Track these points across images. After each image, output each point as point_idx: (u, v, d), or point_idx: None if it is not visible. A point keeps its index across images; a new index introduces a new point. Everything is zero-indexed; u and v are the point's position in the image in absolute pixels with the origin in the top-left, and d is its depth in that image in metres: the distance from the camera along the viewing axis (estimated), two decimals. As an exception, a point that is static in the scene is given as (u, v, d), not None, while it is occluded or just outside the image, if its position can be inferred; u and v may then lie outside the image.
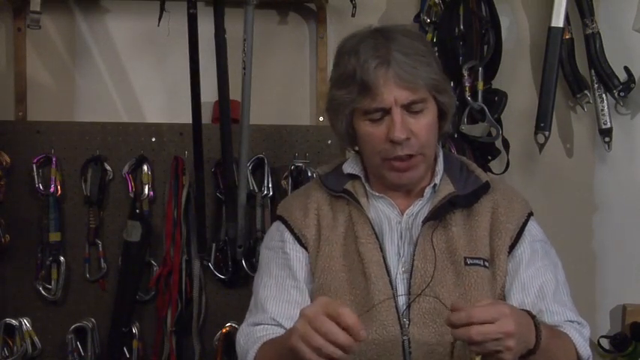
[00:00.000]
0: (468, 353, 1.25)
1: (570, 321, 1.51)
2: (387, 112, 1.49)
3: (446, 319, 1.26)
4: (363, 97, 1.49)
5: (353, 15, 2.26)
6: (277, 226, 1.64)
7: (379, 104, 1.48)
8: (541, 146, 2.33)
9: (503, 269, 1.53)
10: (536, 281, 1.52)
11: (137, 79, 2.50)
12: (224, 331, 2.36)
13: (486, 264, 1.52)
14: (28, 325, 2.40)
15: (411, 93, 1.48)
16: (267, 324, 1.54)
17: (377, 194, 1.57)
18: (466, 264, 1.50)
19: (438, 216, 1.52)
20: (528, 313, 1.35)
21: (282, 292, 1.56)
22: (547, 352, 1.35)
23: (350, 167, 1.62)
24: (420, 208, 1.56)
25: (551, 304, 1.50)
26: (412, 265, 1.50)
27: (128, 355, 2.40)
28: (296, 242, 1.59)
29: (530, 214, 1.60)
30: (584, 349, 1.47)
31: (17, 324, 2.39)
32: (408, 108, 1.49)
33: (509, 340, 1.23)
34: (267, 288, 1.58)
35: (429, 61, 1.51)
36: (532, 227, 1.58)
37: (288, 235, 1.60)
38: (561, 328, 1.48)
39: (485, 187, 1.57)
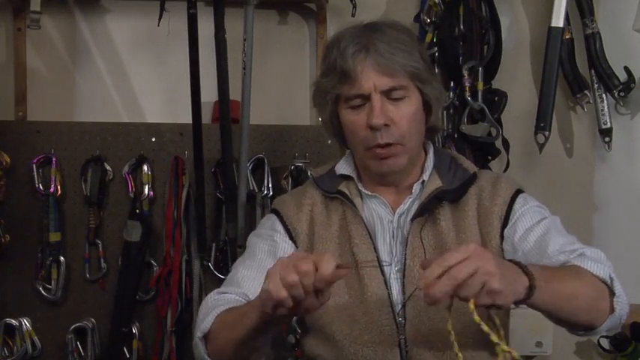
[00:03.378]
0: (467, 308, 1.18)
1: (571, 251, 1.45)
2: (366, 98, 1.49)
3: (420, 280, 1.19)
4: (342, 84, 1.50)
5: (353, 15, 2.27)
6: (270, 217, 1.65)
7: (358, 90, 1.49)
8: (541, 146, 2.34)
9: (497, 254, 1.50)
10: (533, 241, 1.48)
11: (137, 79, 2.50)
12: (224, 331, 2.36)
13: None
14: (28, 325, 2.40)
15: (390, 79, 1.48)
16: (238, 297, 1.51)
17: (369, 193, 1.57)
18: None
19: (425, 212, 1.52)
20: (511, 261, 1.30)
21: (262, 275, 1.51)
22: (557, 288, 1.30)
23: (342, 168, 1.62)
24: (410, 205, 1.56)
25: (552, 253, 1.46)
26: (404, 264, 1.50)
27: (128, 355, 2.40)
28: (286, 235, 1.59)
29: (519, 192, 1.56)
30: (600, 270, 1.40)
31: (17, 324, 2.39)
32: (388, 95, 1.49)
33: (486, 267, 1.16)
34: (248, 268, 1.56)
35: (409, 50, 1.51)
36: (521, 200, 1.54)
37: (279, 226, 1.60)
38: (567, 264, 1.43)
39: (472, 179, 1.57)
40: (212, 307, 1.47)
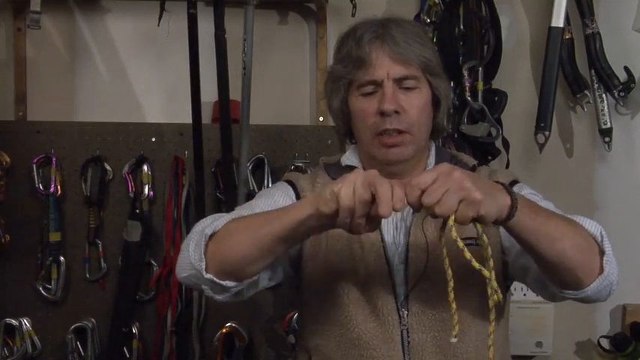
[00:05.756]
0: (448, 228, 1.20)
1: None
2: (379, 85, 1.51)
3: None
4: (357, 70, 1.52)
5: (353, 15, 2.27)
6: (283, 184, 1.61)
7: (371, 76, 1.51)
8: (541, 146, 2.34)
9: (494, 239, 1.50)
10: None
11: (137, 79, 2.51)
12: (224, 331, 2.36)
13: (478, 242, 1.51)
14: (28, 325, 2.40)
15: (403, 68, 1.51)
16: None
17: None
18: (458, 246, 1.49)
19: None
20: (497, 182, 1.32)
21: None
22: (542, 221, 1.30)
23: (348, 159, 1.63)
24: None
25: None
26: (407, 256, 1.50)
27: (128, 355, 2.40)
28: None
29: (514, 182, 1.58)
30: (591, 225, 1.38)
31: (17, 324, 2.39)
32: (400, 83, 1.51)
33: (459, 184, 1.19)
34: (263, 204, 1.52)
35: (424, 42, 1.55)
36: (516, 188, 1.53)
37: (292, 194, 1.58)
38: None
39: (472, 171, 1.57)
40: (221, 215, 1.42)
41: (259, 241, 1.33)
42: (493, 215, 1.23)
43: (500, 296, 1.24)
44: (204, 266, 1.35)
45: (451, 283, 1.27)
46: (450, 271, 1.27)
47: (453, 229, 1.19)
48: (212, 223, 1.39)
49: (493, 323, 1.28)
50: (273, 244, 1.33)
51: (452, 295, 1.27)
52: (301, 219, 1.28)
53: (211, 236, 1.36)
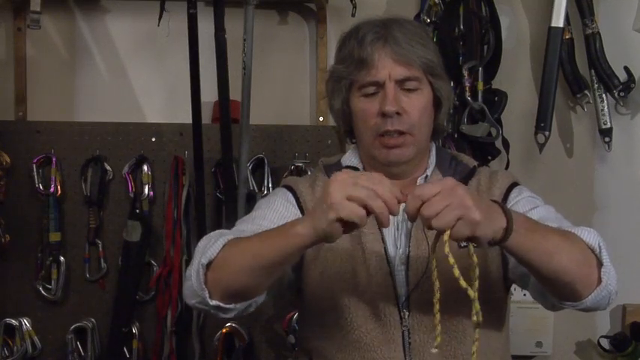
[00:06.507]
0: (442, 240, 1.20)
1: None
2: (381, 86, 1.51)
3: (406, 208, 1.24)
4: (359, 71, 1.52)
5: (353, 15, 2.26)
6: (282, 190, 1.61)
7: (373, 77, 1.51)
8: (541, 146, 2.34)
9: None
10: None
11: (137, 79, 2.51)
12: (224, 331, 2.36)
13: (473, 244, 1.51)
14: (28, 325, 2.40)
15: (405, 69, 1.51)
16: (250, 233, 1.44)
17: None
18: (460, 247, 1.49)
19: None
20: (494, 201, 1.31)
21: (282, 222, 1.46)
22: (539, 240, 1.30)
23: (348, 160, 1.63)
24: None
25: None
26: (408, 257, 1.50)
27: (128, 355, 2.40)
28: (298, 209, 1.56)
29: (514, 184, 1.58)
30: (590, 237, 1.37)
31: (17, 324, 2.39)
32: (402, 85, 1.51)
33: (461, 201, 1.20)
34: (266, 215, 1.52)
35: (426, 44, 1.55)
36: (516, 191, 1.56)
37: (292, 199, 1.58)
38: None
39: (472, 172, 1.59)
40: (218, 235, 1.41)
41: (257, 268, 1.33)
42: (487, 239, 1.24)
43: (481, 319, 1.24)
44: (207, 295, 1.36)
45: (437, 295, 1.28)
46: (437, 283, 1.27)
47: (447, 244, 1.19)
48: (208, 248, 1.37)
49: (477, 343, 1.28)
50: (271, 269, 1.34)
51: (437, 306, 1.28)
52: (302, 245, 1.30)
53: (209, 265, 1.36)
